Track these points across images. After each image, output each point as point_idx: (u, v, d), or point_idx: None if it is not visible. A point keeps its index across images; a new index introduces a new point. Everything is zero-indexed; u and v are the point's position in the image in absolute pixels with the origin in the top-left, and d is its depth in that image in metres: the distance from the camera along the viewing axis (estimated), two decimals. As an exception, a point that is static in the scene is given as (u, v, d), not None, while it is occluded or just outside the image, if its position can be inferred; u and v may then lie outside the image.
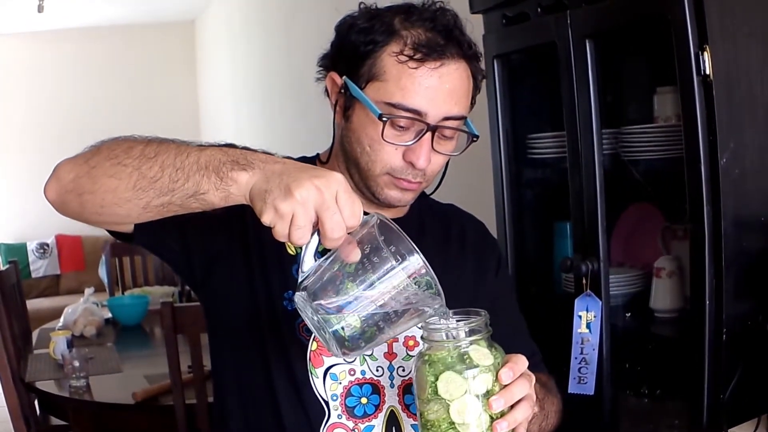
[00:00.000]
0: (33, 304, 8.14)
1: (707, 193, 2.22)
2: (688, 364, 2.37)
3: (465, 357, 1.44)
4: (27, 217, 9.40)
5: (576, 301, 2.68)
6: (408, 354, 1.89)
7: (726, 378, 2.27)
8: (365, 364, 1.87)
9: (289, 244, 1.65)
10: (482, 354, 1.45)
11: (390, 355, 1.89)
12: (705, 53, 2.18)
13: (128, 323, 5.21)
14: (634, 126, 2.65)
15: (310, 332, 1.81)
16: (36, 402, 4.47)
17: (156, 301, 5.05)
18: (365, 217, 1.45)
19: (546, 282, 3.21)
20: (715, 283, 2.25)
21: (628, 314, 2.82)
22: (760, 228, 2.32)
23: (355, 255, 1.41)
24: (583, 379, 2.67)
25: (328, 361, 1.85)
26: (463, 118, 1.80)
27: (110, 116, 9.10)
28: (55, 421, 4.61)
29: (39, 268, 9.32)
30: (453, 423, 1.44)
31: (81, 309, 5.02)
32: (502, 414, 1.45)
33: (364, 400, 1.87)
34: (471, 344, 1.45)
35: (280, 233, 1.39)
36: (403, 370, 1.89)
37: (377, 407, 1.87)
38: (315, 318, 1.44)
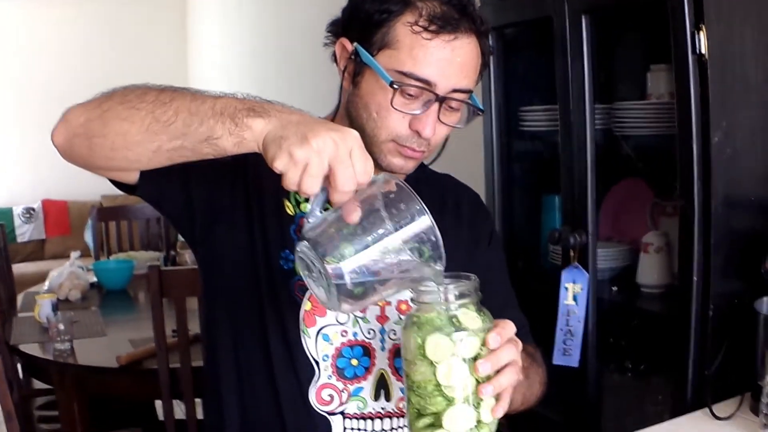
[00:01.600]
0: (18, 269, 8.11)
1: (698, 170, 2.25)
2: (673, 339, 2.39)
3: (454, 320, 1.45)
4: (13, 181, 9.33)
5: (563, 272, 2.71)
6: (400, 318, 1.90)
7: (711, 355, 2.29)
8: (357, 326, 1.88)
9: (288, 205, 1.66)
10: (471, 318, 1.46)
11: (382, 318, 1.90)
12: (701, 32, 2.20)
13: (113, 287, 5.19)
14: (627, 102, 2.67)
15: (304, 292, 1.84)
16: (19, 366, 4.46)
17: (141, 266, 5.03)
18: (375, 176, 1.45)
19: (533, 254, 3.24)
20: (704, 260, 2.28)
21: (615, 288, 2.85)
22: (750, 207, 2.34)
23: (357, 214, 1.41)
24: (568, 351, 2.69)
25: (321, 321, 1.86)
26: (470, 91, 1.81)
27: (98, 85, 8.96)
28: (39, 384, 4.61)
29: (25, 232, 9.27)
30: (439, 385, 1.44)
31: (67, 273, 4.99)
32: (488, 378, 1.45)
33: (354, 362, 1.88)
34: (460, 307, 1.46)
35: (292, 180, 1.39)
36: (395, 334, 1.90)
37: (367, 369, 1.89)
38: (315, 267, 1.43)
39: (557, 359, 2.70)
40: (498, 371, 1.46)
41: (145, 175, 1.75)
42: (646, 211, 2.91)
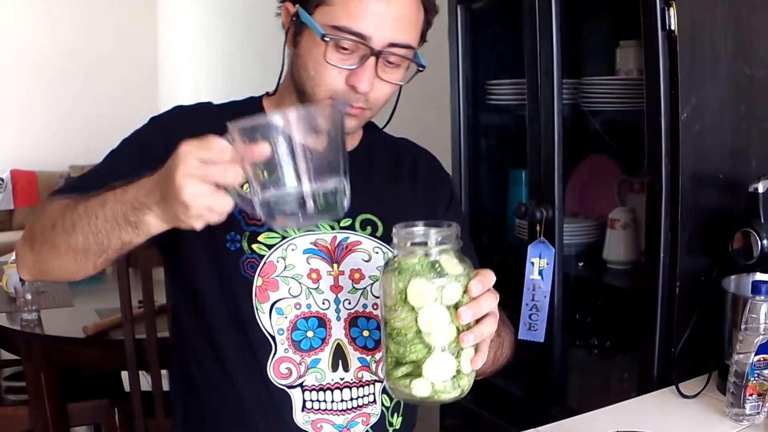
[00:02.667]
0: (-15, 239, 8.12)
1: (666, 146, 2.25)
2: (639, 316, 2.40)
3: (436, 265, 1.45)
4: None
5: (529, 247, 2.71)
6: (354, 287, 1.91)
7: (678, 333, 2.30)
8: (311, 298, 1.88)
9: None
10: (453, 264, 1.46)
11: (336, 288, 1.90)
12: (671, 9, 2.19)
13: (80, 258, 5.19)
14: (595, 77, 2.67)
15: (254, 268, 1.85)
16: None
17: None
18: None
19: (500, 228, 3.24)
20: (671, 237, 2.29)
21: (581, 264, 2.86)
22: (718, 184, 2.35)
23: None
24: (534, 326, 2.69)
25: (274, 296, 1.87)
26: (410, 47, 1.80)
27: (66, 58, 9.08)
28: (6, 355, 4.59)
29: (-7, 202, 9.25)
30: (419, 332, 1.44)
31: (33, 242, 4.99)
32: (469, 327, 1.46)
33: (310, 334, 1.88)
34: (441, 253, 1.46)
35: (218, 220, 1.42)
36: (349, 303, 1.90)
37: (323, 340, 1.89)
38: (247, 195, 1.42)
39: (522, 334, 2.70)
40: (478, 321, 1.47)
41: None
42: (614, 187, 2.92)
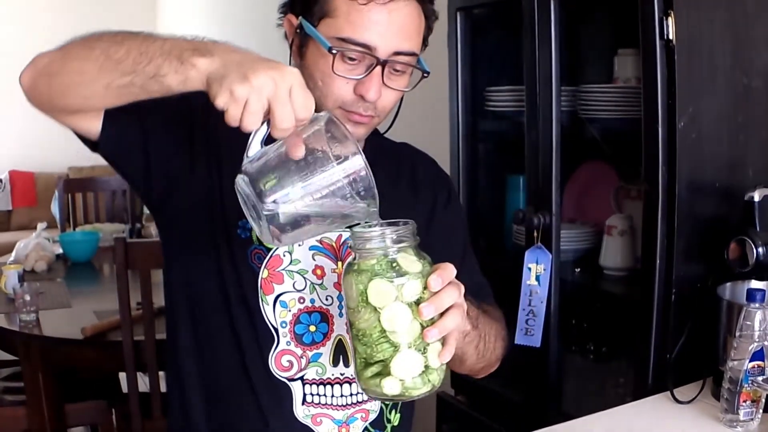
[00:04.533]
0: (-16, 240, 8.12)
1: (663, 154, 2.27)
2: (635, 323, 2.42)
3: (394, 265, 1.46)
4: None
5: (526, 253, 2.73)
6: None
7: (673, 339, 2.31)
8: (315, 293, 1.91)
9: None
10: (411, 261, 1.47)
11: (339, 285, 1.91)
12: (669, 18, 2.21)
13: (79, 259, 5.17)
14: (593, 85, 2.69)
15: (261, 260, 1.87)
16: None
17: (106, 238, 5.05)
18: (317, 114, 1.47)
19: (498, 234, 3.25)
20: (667, 244, 2.30)
21: (578, 270, 2.87)
22: (714, 192, 2.37)
23: (299, 150, 1.44)
24: (530, 331, 2.71)
25: (278, 288, 1.89)
26: (413, 54, 1.83)
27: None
28: (5, 356, 4.60)
29: (-9, 203, 9.25)
30: (384, 331, 1.46)
31: (32, 244, 4.98)
32: (433, 321, 1.47)
33: (312, 328, 1.91)
34: (399, 252, 1.47)
35: (233, 116, 1.41)
36: None
37: (325, 335, 1.92)
38: (250, 201, 1.46)
39: (519, 339, 2.72)
40: (442, 314, 1.49)
41: (105, 129, 1.79)
42: (611, 194, 2.94)
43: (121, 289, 3.43)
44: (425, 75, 1.87)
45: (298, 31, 1.85)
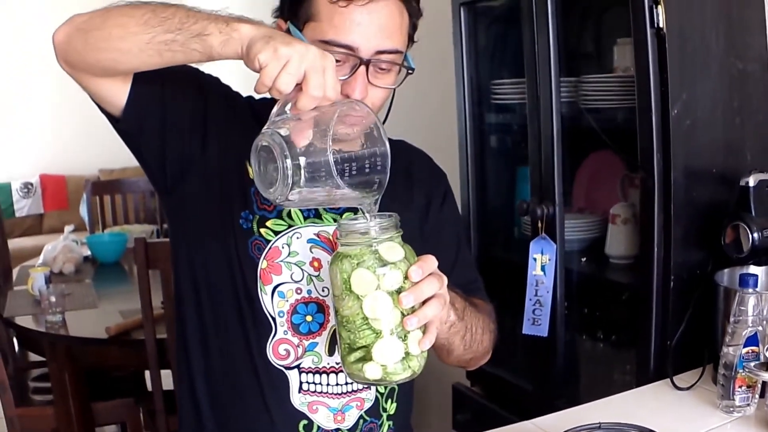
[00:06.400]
0: (16, 243, 8.17)
1: (658, 142, 2.29)
2: (638, 310, 2.44)
3: (376, 254, 1.52)
4: (11, 156, 9.31)
5: (531, 243, 2.75)
6: None
7: (673, 326, 2.33)
8: (312, 284, 1.95)
9: (250, 169, 1.73)
10: (394, 252, 1.53)
11: None
12: (659, 6, 2.23)
13: (107, 260, 5.23)
14: (592, 75, 2.70)
15: (261, 251, 1.92)
16: (14, 339, 4.51)
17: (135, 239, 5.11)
18: (344, 100, 1.58)
19: (507, 225, 3.28)
20: (664, 231, 2.32)
21: (584, 259, 2.89)
22: (710, 178, 2.38)
23: (308, 134, 1.50)
24: (537, 321, 2.73)
25: (277, 279, 1.93)
26: (398, 52, 1.86)
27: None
28: (33, 357, 4.66)
29: (23, 207, 9.27)
30: (366, 318, 1.52)
31: (60, 246, 5.04)
32: (414, 310, 1.53)
33: (309, 318, 1.95)
34: (382, 243, 1.53)
35: (270, 73, 1.49)
36: None
37: (321, 325, 1.96)
38: (278, 148, 1.48)
39: (527, 329, 2.74)
40: (423, 303, 1.54)
41: (131, 99, 1.85)
42: (617, 184, 2.95)
43: (143, 288, 3.48)
44: (410, 72, 1.90)
45: None
